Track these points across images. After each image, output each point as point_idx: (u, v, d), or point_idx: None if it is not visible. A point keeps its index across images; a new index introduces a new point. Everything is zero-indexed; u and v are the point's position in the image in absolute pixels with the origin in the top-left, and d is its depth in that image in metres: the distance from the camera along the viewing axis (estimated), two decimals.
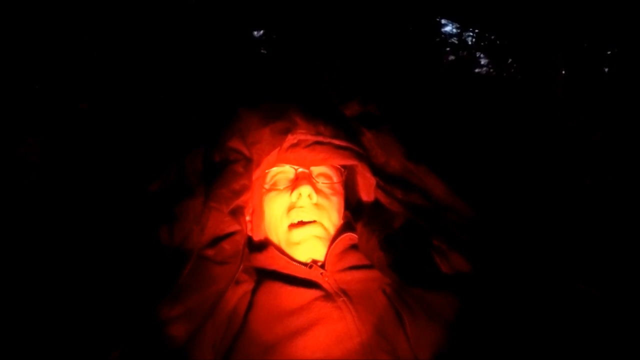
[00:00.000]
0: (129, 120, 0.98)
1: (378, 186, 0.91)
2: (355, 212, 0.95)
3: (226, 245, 0.79)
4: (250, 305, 0.78)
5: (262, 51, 1.00)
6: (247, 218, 0.88)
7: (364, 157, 0.91)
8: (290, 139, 0.86)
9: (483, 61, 1.69)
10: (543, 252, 0.78)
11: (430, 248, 0.80)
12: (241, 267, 0.80)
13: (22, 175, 0.91)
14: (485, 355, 0.69)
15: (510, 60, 1.68)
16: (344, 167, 0.94)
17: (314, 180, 0.87)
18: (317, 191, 0.86)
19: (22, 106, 0.97)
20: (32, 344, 0.71)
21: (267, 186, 0.89)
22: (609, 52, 1.55)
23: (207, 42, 0.99)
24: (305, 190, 0.84)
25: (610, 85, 1.46)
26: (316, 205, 0.86)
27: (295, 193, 0.85)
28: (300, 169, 0.88)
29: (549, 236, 0.82)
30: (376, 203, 0.92)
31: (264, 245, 0.89)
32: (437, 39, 1.63)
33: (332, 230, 0.89)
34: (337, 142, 0.88)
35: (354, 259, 0.87)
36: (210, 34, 0.99)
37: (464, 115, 1.08)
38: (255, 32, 0.99)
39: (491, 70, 1.67)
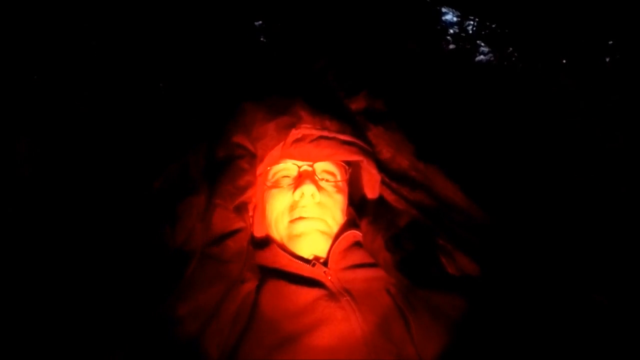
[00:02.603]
0: (131, 117, 0.95)
1: (383, 183, 0.90)
2: (359, 209, 0.94)
3: (231, 243, 0.78)
4: (254, 305, 0.77)
5: (266, 45, 0.97)
6: (250, 214, 0.87)
7: (369, 152, 0.89)
8: (295, 133, 0.84)
9: (484, 50, 1.67)
10: (550, 255, 0.78)
11: (436, 248, 0.80)
12: (245, 265, 0.79)
13: (21, 174, 0.89)
14: (491, 358, 0.70)
15: (511, 49, 1.66)
16: (349, 164, 0.92)
17: (317, 178, 0.86)
18: (320, 189, 0.85)
19: (21, 102, 0.94)
20: (30, 344, 0.70)
21: (269, 183, 0.88)
22: (610, 42, 1.54)
23: (210, 36, 0.97)
24: (308, 189, 0.83)
25: (612, 75, 1.45)
26: (319, 204, 0.85)
27: (298, 192, 0.83)
28: (304, 167, 0.86)
29: (557, 238, 0.82)
30: (381, 200, 0.91)
31: (266, 242, 0.88)
32: (438, 27, 1.61)
33: (335, 228, 0.88)
34: (342, 137, 0.87)
35: (357, 256, 0.86)
36: (214, 28, 0.97)
37: (469, 108, 1.07)
38: (259, 25, 0.96)
39: (492, 59, 1.65)
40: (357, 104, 0.94)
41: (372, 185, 0.92)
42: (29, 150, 0.90)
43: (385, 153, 0.92)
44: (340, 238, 0.86)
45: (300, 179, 0.85)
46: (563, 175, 0.98)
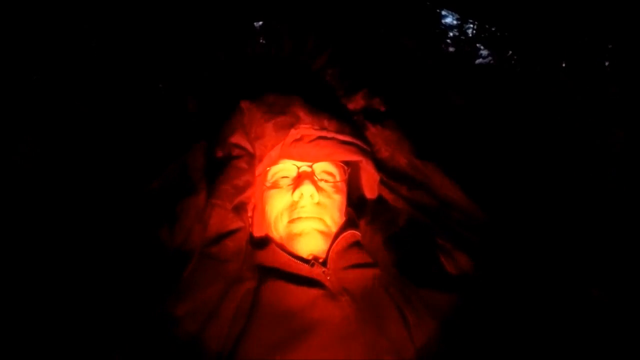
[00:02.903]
0: (130, 117, 0.96)
1: (382, 182, 0.90)
2: (357, 208, 0.94)
3: (229, 243, 0.78)
4: (253, 305, 0.77)
5: (264, 44, 0.97)
6: (249, 214, 0.87)
7: (368, 152, 0.89)
8: (294, 133, 0.84)
9: (483, 53, 1.67)
10: (550, 254, 0.77)
11: (435, 247, 0.80)
12: (244, 265, 0.79)
13: (21, 174, 0.90)
14: (490, 356, 0.69)
15: (510, 52, 1.67)
16: (347, 164, 0.92)
17: (316, 179, 0.86)
18: (319, 190, 0.85)
19: (21, 102, 0.95)
20: (31, 345, 0.70)
21: (268, 184, 0.88)
22: (609, 46, 1.54)
23: (209, 36, 0.97)
24: (307, 190, 0.83)
25: (611, 78, 1.45)
26: (318, 204, 0.85)
27: (297, 193, 0.83)
28: (303, 168, 0.86)
29: (557, 237, 0.81)
30: (379, 199, 0.92)
31: (265, 242, 0.88)
32: (437, 30, 1.62)
33: (334, 228, 0.87)
34: (341, 137, 0.86)
35: (356, 256, 0.86)
36: (213, 28, 0.97)
37: (468, 110, 1.07)
38: (258, 25, 0.97)
39: (491, 62, 1.66)
40: (355, 104, 0.94)
41: (371, 185, 0.92)
42: (30, 150, 0.90)
43: (384, 152, 0.92)
44: (339, 238, 0.86)
45: (299, 180, 0.85)
46: (561, 175, 0.98)
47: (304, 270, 0.82)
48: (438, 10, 1.61)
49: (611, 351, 0.69)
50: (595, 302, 0.72)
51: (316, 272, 0.82)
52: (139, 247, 0.76)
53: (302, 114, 0.85)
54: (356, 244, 0.88)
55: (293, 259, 0.83)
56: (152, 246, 0.76)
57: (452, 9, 1.62)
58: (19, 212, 0.87)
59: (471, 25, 1.66)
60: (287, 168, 0.87)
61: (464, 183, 0.83)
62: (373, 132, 0.92)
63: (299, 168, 0.86)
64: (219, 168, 0.82)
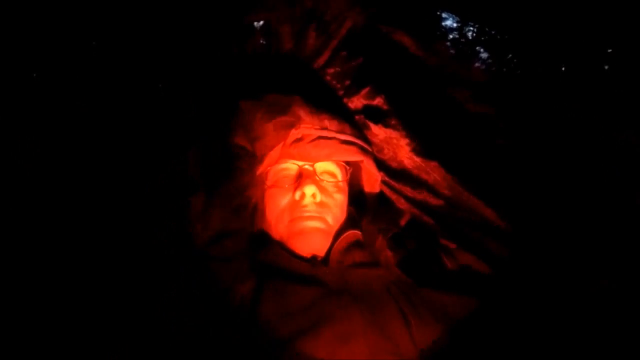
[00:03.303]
0: (130, 117, 0.96)
1: (383, 182, 0.90)
2: (358, 207, 0.94)
3: (229, 243, 0.78)
4: (253, 304, 0.77)
5: (264, 42, 0.97)
6: (249, 214, 0.87)
7: (369, 152, 0.89)
8: (294, 133, 0.84)
9: (483, 55, 1.68)
10: (555, 253, 0.77)
11: (437, 247, 0.80)
12: (245, 264, 0.78)
13: (21, 173, 0.90)
14: (493, 357, 0.69)
15: (510, 55, 1.67)
16: (349, 163, 0.92)
17: (317, 178, 0.86)
18: (321, 189, 0.85)
19: (21, 102, 0.95)
20: (30, 344, 0.70)
21: (269, 183, 0.87)
22: (609, 50, 1.54)
23: (209, 35, 0.97)
24: (309, 190, 0.83)
25: (611, 82, 1.45)
26: (320, 203, 0.85)
27: (299, 192, 0.83)
28: (304, 167, 0.86)
29: (562, 237, 0.81)
30: (381, 199, 0.91)
31: (265, 241, 0.87)
32: (438, 33, 1.62)
33: (335, 227, 0.87)
34: (342, 137, 0.86)
35: (358, 256, 0.85)
36: (213, 27, 0.97)
37: (468, 110, 1.07)
38: (257, 23, 0.97)
39: (491, 64, 1.66)
40: (356, 103, 0.94)
41: (373, 184, 0.92)
42: (30, 150, 0.90)
43: (386, 152, 0.92)
44: (341, 237, 0.86)
45: (300, 179, 0.85)
46: (562, 172, 0.98)
47: (305, 269, 0.82)
48: (438, 13, 1.62)
49: (613, 349, 0.68)
50: (604, 295, 0.72)
51: (317, 271, 0.82)
52: (138, 247, 0.76)
53: (302, 113, 0.85)
54: (357, 244, 0.88)
55: (294, 258, 0.83)
56: (152, 246, 0.75)
57: (452, 11, 1.63)
58: (20, 212, 0.87)
59: (471, 28, 1.67)
60: (289, 168, 0.87)
61: (468, 182, 0.83)
62: (374, 131, 0.92)
63: (300, 167, 0.86)
64: (219, 168, 0.81)
